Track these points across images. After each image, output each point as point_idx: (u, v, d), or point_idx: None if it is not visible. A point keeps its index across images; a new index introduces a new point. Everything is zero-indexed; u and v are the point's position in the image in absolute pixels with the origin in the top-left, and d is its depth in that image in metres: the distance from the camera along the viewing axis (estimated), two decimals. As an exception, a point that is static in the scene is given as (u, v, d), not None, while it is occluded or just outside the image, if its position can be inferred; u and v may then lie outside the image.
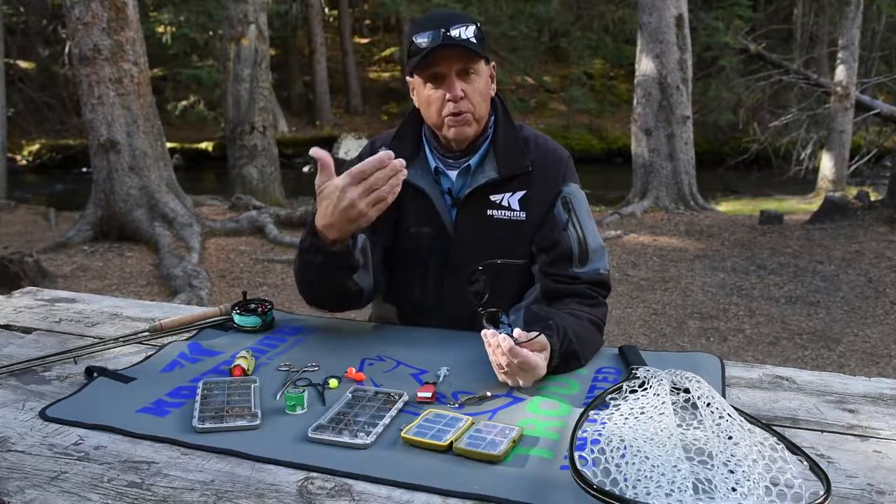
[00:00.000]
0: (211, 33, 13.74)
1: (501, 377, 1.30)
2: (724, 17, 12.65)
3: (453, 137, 1.56)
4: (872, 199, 7.94)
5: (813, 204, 9.21)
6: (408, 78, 1.59)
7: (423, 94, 1.55)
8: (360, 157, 1.67)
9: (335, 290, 1.51)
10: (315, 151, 1.36)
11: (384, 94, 17.94)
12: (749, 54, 13.12)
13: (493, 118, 1.62)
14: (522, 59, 15.62)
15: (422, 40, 1.49)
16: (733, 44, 12.60)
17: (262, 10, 8.98)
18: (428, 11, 1.64)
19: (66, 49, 13.36)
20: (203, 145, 15.43)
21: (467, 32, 1.49)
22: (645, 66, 8.66)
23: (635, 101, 8.92)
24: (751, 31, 13.66)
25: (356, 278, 1.48)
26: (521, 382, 1.29)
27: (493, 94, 1.60)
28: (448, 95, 1.51)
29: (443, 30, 1.47)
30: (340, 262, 1.44)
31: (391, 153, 1.33)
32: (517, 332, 1.30)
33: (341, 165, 1.40)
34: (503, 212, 1.58)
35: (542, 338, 1.32)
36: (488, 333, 1.29)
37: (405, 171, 1.34)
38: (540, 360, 1.29)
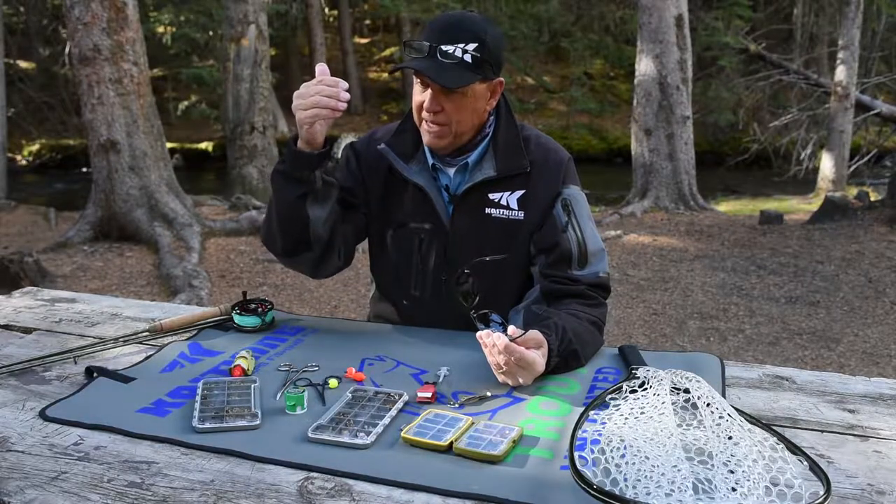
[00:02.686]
0: (211, 33, 13.74)
1: (501, 377, 1.30)
2: (724, 17, 12.65)
3: (426, 143, 1.57)
4: (872, 199, 7.93)
5: (813, 204, 9.20)
6: None
7: (414, 90, 1.56)
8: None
9: (287, 212, 1.49)
10: (319, 65, 1.42)
11: (384, 94, 17.94)
12: (749, 54, 13.12)
13: (493, 117, 1.61)
14: (522, 59, 15.61)
15: (414, 49, 1.47)
16: (733, 44, 12.60)
17: (262, 10, 8.98)
18: (449, 12, 1.61)
19: (66, 49, 13.35)
20: (203, 145, 15.42)
21: (460, 52, 1.44)
22: (645, 66, 8.66)
23: (635, 101, 8.92)
24: (751, 31, 13.66)
25: (308, 205, 1.47)
26: (520, 381, 1.29)
27: (489, 109, 1.57)
28: (425, 104, 1.51)
29: (435, 44, 1.44)
30: (300, 170, 1.44)
31: (346, 84, 1.39)
32: (511, 329, 1.30)
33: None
34: (501, 210, 1.58)
35: (538, 334, 1.32)
36: (483, 334, 1.29)
37: (344, 104, 1.39)
38: (538, 357, 1.29)
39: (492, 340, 1.27)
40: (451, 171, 1.61)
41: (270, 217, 1.54)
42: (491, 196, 1.58)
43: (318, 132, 1.42)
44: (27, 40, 16.19)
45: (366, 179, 1.64)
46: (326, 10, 18.92)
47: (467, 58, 1.45)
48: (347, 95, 1.38)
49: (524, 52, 15.56)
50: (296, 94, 1.41)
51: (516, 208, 1.58)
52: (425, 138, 1.55)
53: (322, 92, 1.38)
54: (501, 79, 1.56)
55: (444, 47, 1.44)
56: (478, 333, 1.31)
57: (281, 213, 1.51)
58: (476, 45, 1.45)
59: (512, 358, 1.26)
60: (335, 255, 1.59)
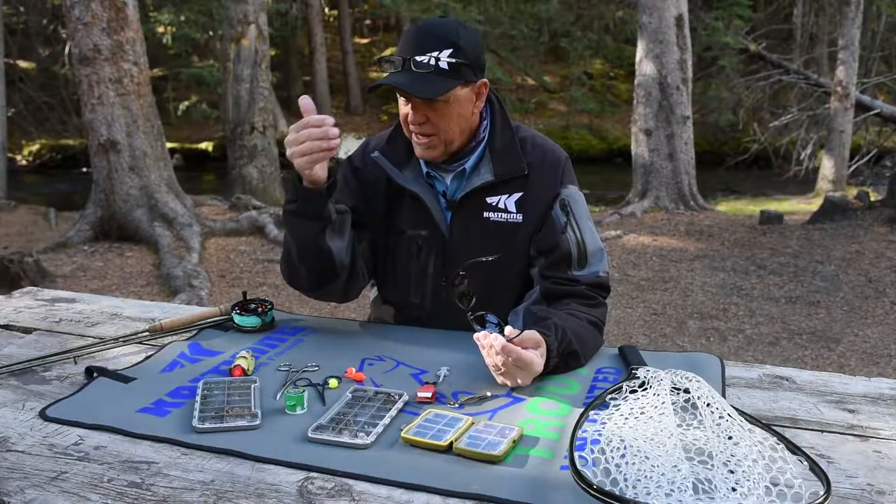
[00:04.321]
0: (211, 33, 13.74)
1: (500, 378, 1.30)
2: (724, 17, 12.66)
3: (419, 156, 1.56)
4: (872, 199, 7.93)
5: (813, 204, 9.21)
6: None
7: (399, 102, 1.54)
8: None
9: (308, 249, 1.47)
10: (302, 100, 1.38)
11: (384, 94, 17.82)
12: (749, 54, 13.13)
13: (487, 120, 1.61)
14: (522, 59, 15.61)
15: (388, 64, 1.46)
16: (733, 44, 12.61)
17: (262, 10, 8.98)
18: (421, 21, 1.59)
19: (66, 49, 13.35)
20: (203, 145, 15.42)
21: (434, 60, 1.42)
22: (645, 66, 8.66)
23: (635, 102, 8.92)
24: (751, 31, 13.67)
25: (328, 238, 1.46)
26: (519, 381, 1.29)
27: (477, 111, 1.55)
28: (409, 118, 1.50)
29: (408, 57, 1.43)
30: (312, 208, 1.42)
31: (332, 119, 1.35)
32: (508, 329, 1.29)
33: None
34: (500, 214, 1.57)
35: (535, 334, 1.32)
36: (480, 335, 1.29)
37: (337, 141, 1.35)
38: (535, 357, 1.29)
39: (489, 342, 1.27)
40: (448, 177, 1.60)
41: (290, 257, 1.52)
42: (489, 200, 1.57)
43: (319, 172, 1.38)
44: (27, 40, 16.18)
45: (366, 193, 1.63)
46: (326, 10, 18.92)
47: (442, 65, 1.43)
48: (336, 131, 1.34)
49: (524, 52, 15.55)
50: (286, 141, 1.37)
51: (514, 211, 1.57)
52: (417, 151, 1.55)
53: (311, 136, 1.33)
54: (485, 80, 1.54)
55: (417, 58, 1.43)
56: (475, 335, 1.30)
57: (302, 252, 1.49)
58: (450, 50, 1.43)
59: (509, 359, 1.26)
60: (360, 277, 1.59)
